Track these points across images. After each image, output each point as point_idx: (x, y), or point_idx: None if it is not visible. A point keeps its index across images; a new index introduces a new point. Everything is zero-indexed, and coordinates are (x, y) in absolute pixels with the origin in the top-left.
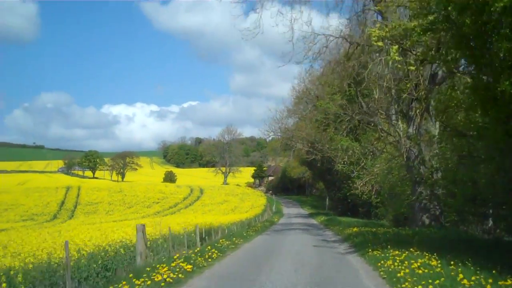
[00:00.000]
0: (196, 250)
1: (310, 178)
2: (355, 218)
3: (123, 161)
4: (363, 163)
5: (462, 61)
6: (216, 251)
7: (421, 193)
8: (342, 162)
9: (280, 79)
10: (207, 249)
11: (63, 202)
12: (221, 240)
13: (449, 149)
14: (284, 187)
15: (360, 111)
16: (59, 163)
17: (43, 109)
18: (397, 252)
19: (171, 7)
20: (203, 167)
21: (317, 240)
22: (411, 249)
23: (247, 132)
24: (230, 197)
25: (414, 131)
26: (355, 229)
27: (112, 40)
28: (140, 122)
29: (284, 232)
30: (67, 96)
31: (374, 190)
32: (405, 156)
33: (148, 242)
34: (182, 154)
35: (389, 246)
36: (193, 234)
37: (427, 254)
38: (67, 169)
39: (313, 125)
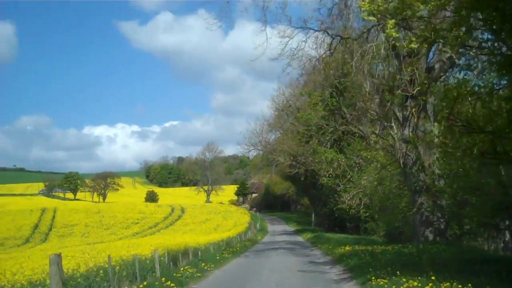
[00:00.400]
0: (140, 287)
1: (294, 194)
2: (344, 234)
3: (103, 182)
4: (349, 176)
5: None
6: (173, 285)
7: (422, 204)
8: (327, 175)
9: (261, 97)
10: (162, 280)
11: (36, 225)
12: (183, 269)
13: (460, 149)
14: (268, 204)
15: (344, 121)
16: (40, 186)
17: (23, 131)
18: (412, 281)
19: (150, 27)
20: (186, 186)
21: (303, 263)
22: (426, 275)
23: (229, 150)
24: (212, 215)
25: (410, 133)
26: (347, 247)
27: (91, 60)
28: (121, 143)
29: (266, 253)
30: (47, 118)
31: (362, 203)
32: (401, 162)
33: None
34: (164, 174)
35: (397, 272)
36: (162, 258)
37: (450, 282)
38: (48, 192)
39: (295, 137)
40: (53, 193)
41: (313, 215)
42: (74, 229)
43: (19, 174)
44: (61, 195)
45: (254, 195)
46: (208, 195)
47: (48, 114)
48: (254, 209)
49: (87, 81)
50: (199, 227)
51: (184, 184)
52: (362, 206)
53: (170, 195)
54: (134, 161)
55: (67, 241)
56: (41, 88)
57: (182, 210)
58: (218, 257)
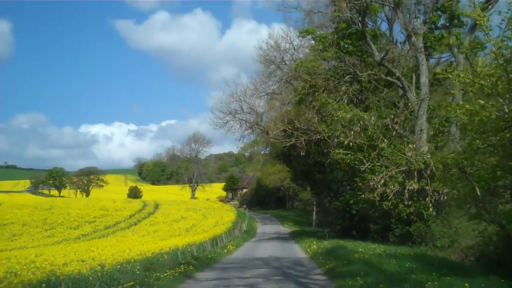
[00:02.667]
0: None
1: (290, 185)
2: (367, 242)
3: (86, 178)
4: (382, 145)
5: None
6: None
7: None
8: (343, 146)
9: None
10: None
11: None
12: None
13: None
14: (260, 201)
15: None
16: (27, 183)
17: (18, 130)
18: None
19: (146, 26)
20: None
21: None
22: None
23: (225, 148)
24: (190, 212)
25: None
26: None
27: (88, 59)
28: (118, 141)
29: None
30: (43, 116)
31: (407, 191)
32: None
33: None
34: (157, 171)
35: None
36: None
37: None
38: (35, 189)
39: (290, 96)
40: (39, 190)
41: (314, 213)
42: (7, 228)
43: (10, 172)
44: (46, 192)
45: (244, 190)
46: (193, 191)
47: (45, 112)
48: (244, 206)
49: (83, 80)
50: (168, 227)
51: (177, 182)
52: (406, 197)
53: (157, 192)
54: (130, 160)
55: None
56: (38, 86)
57: (156, 207)
58: None
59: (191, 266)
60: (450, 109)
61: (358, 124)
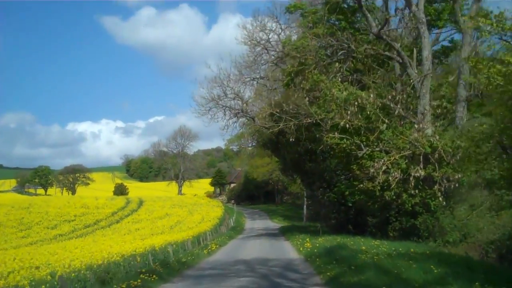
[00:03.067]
0: None
1: (280, 181)
2: (365, 237)
3: (72, 176)
4: (383, 126)
5: None
6: None
7: None
8: (338, 129)
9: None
10: None
11: None
12: None
13: None
14: (249, 195)
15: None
16: (13, 183)
17: (6, 129)
18: None
19: (132, 22)
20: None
21: None
22: None
23: (213, 144)
24: (176, 209)
25: None
26: None
27: (74, 56)
28: (106, 139)
29: None
30: (30, 115)
31: (412, 179)
32: None
33: None
34: (145, 168)
35: None
36: None
37: None
38: (21, 188)
39: (277, 80)
40: (25, 190)
41: (304, 207)
42: None
43: None
44: (32, 191)
45: (232, 185)
46: (180, 186)
47: (32, 111)
48: (232, 201)
49: (70, 78)
50: (151, 225)
51: (165, 179)
52: (411, 185)
53: (143, 189)
54: (118, 158)
55: None
56: (25, 85)
57: (140, 204)
58: None
59: (154, 276)
60: (482, 66)
61: (355, 104)
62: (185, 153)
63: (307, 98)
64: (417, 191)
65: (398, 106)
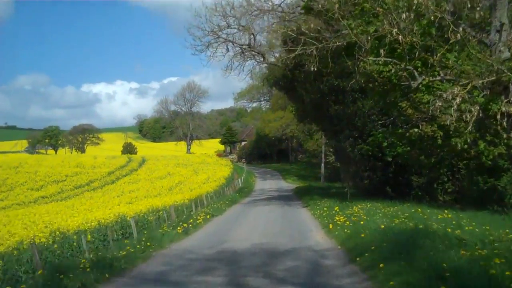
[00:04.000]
0: None
1: (294, 138)
2: (421, 204)
3: (81, 135)
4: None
5: None
6: None
7: None
8: (382, 49)
9: None
10: None
11: None
12: None
13: None
14: (261, 154)
15: None
16: (25, 143)
17: (20, 90)
18: None
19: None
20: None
21: None
22: None
23: (227, 104)
24: (179, 168)
25: None
26: None
27: (88, 17)
28: (120, 100)
29: None
30: (45, 76)
31: (499, 117)
32: None
33: None
34: (158, 128)
35: None
36: None
37: None
38: (32, 149)
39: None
40: (36, 150)
41: (322, 165)
42: None
43: (9, 132)
44: (43, 151)
45: (243, 143)
46: (188, 146)
47: (46, 72)
48: (243, 160)
49: (84, 39)
50: (149, 185)
51: (179, 139)
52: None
53: (153, 149)
54: (133, 119)
55: None
56: (39, 46)
57: (142, 162)
58: None
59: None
60: None
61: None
62: (196, 111)
63: (337, 5)
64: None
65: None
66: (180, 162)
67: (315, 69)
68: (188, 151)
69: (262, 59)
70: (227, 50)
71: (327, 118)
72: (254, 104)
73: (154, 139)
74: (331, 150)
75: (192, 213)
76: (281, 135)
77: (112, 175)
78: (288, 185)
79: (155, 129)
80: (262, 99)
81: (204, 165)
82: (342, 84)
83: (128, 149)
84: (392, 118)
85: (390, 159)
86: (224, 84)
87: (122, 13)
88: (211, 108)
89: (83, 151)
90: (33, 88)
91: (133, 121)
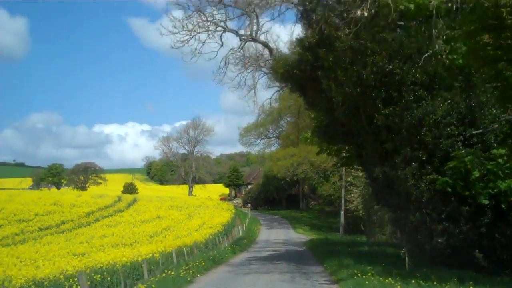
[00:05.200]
0: None
1: (306, 180)
2: None
3: (83, 174)
4: None
5: None
6: None
7: None
8: None
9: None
10: None
11: None
12: None
13: None
14: (268, 199)
15: None
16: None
17: (32, 128)
18: None
19: (159, 24)
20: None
21: None
22: None
23: (237, 148)
24: (172, 211)
25: None
26: None
27: (102, 58)
28: (132, 142)
29: None
30: (57, 115)
31: None
32: None
33: None
34: (165, 171)
35: None
36: None
37: None
38: (36, 186)
39: None
40: (40, 189)
41: (341, 213)
42: None
43: (17, 169)
44: (47, 190)
45: (250, 186)
46: (190, 187)
47: (59, 111)
48: (249, 204)
49: (97, 79)
50: (129, 231)
51: (181, 181)
52: None
53: (155, 190)
54: (141, 160)
55: None
56: (52, 85)
57: (132, 203)
58: None
59: None
60: None
61: None
62: (201, 151)
63: None
64: None
65: None
66: (176, 204)
67: (365, 13)
68: (190, 193)
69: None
70: (221, 44)
71: (369, 130)
72: (262, 141)
73: (162, 182)
74: (356, 191)
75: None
76: (292, 176)
77: (90, 216)
78: (298, 236)
79: (162, 171)
80: (271, 136)
81: (202, 208)
82: (399, 69)
83: (129, 190)
84: (487, 130)
85: (485, 202)
86: (235, 128)
87: (136, 55)
88: (220, 152)
89: (84, 189)
90: (45, 126)
91: (142, 163)
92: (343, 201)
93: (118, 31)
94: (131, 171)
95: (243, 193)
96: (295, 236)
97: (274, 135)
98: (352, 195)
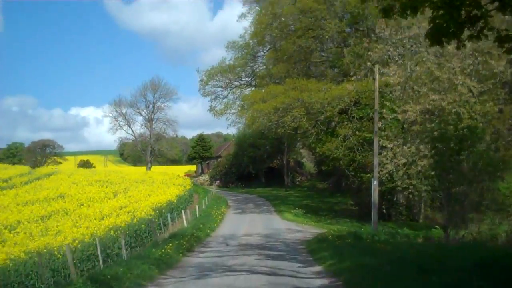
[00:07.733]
0: None
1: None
2: None
3: (41, 154)
4: None
5: None
6: None
7: None
8: None
9: None
10: None
11: None
12: None
13: None
14: (242, 173)
15: None
16: None
17: (8, 112)
18: None
19: (135, 6)
20: (163, 165)
21: None
22: None
23: (214, 130)
24: (93, 187)
25: None
26: None
27: (78, 41)
28: (109, 125)
29: None
30: (32, 98)
31: None
32: None
33: None
34: (138, 152)
35: None
36: None
37: None
38: None
39: None
40: None
41: (374, 183)
42: None
43: None
44: None
45: (219, 160)
46: (148, 162)
47: (34, 94)
48: (217, 182)
49: (73, 62)
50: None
51: (160, 163)
52: None
53: (117, 170)
54: (113, 142)
55: None
56: (27, 68)
57: (43, 176)
58: None
59: None
60: None
61: None
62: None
63: None
64: None
65: None
66: (105, 178)
67: None
68: (148, 168)
69: None
70: None
71: None
72: (234, 91)
73: (135, 163)
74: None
75: None
76: (276, 128)
77: None
78: (288, 225)
79: (135, 152)
80: (244, 81)
81: (140, 184)
82: None
83: (86, 166)
84: None
85: None
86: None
87: (112, 37)
88: (196, 132)
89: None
90: (20, 109)
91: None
92: (375, 162)
93: (93, 11)
94: (106, 153)
95: (212, 167)
96: (283, 226)
97: (247, 79)
98: (386, 153)
